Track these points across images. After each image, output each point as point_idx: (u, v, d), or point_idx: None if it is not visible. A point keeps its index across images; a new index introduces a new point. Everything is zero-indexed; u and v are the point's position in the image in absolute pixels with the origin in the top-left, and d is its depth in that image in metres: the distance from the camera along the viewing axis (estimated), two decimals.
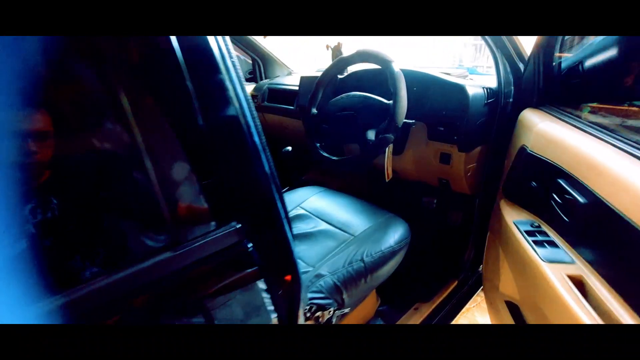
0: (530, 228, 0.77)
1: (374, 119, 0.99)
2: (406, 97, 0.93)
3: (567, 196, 0.66)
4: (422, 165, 1.22)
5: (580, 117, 0.78)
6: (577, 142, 0.68)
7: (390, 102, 0.95)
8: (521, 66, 1.01)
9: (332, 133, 1.11)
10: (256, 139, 0.44)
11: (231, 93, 0.42)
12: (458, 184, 1.16)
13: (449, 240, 1.40)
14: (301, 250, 1.03)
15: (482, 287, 1.31)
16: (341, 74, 1.32)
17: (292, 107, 1.65)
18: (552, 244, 0.71)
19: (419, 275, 1.34)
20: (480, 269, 1.32)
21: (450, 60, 6.48)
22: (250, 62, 1.99)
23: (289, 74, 2.08)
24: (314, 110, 1.15)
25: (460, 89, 1.00)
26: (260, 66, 1.97)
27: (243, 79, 0.44)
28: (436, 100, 1.06)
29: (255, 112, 0.46)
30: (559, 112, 0.84)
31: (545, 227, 0.77)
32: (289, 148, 1.43)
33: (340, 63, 1.10)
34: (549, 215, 0.77)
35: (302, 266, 0.97)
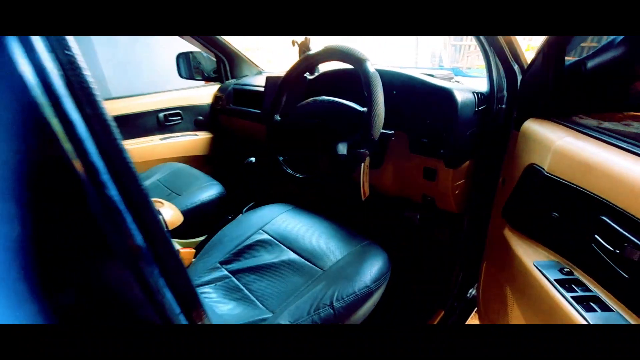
0: (560, 276, 0.61)
1: (346, 130, 0.82)
2: (383, 104, 0.77)
3: (625, 244, 0.50)
4: (403, 181, 1.06)
5: (616, 132, 0.62)
6: (628, 169, 0.52)
7: (365, 109, 0.78)
8: (516, 68, 0.86)
9: (298, 145, 0.94)
10: (113, 192, 0.26)
11: (55, 125, 0.23)
12: (445, 201, 1.01)
13: (434, 260, 1.25)
14: (261, 288, 0.85)
15: (474, 310, 1.17)
16: (311, 74, 1.15)
17: (259, 111, 1.47)
18: (604, 305, 0.54)
19: (399, 305, 1.18)
20: (469, 294, 1.18)
21: (430, 60, 6.41)
22: (215, 59, 1.79)
23: (259, 73, 1.89)
24: (277, 117, 0.97)
25: (447, 94, 0.84)
26: (225, 64, 1.77)
27: (98, 99, 0.26)
28: (419, 107, 0.90)
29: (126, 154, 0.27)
30: (578, 124, 0.69)
31: (579, 275, 0.61)
32: (252, 159, 1.25)
33: (306, 61, 0.92)
34: (588, 262, 0.61)
35: (260, 311, 0.79)
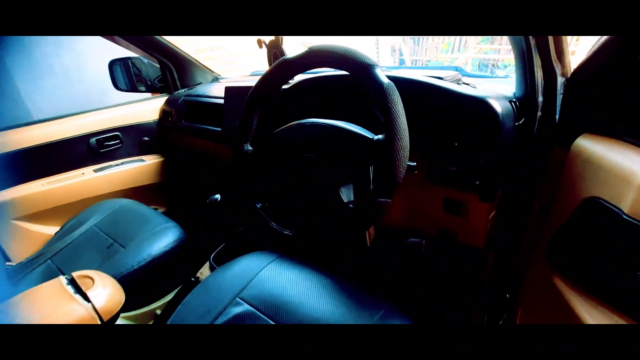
0: None
1: (351, 167, 0.58)
2: (407, 129, 0.54)
3: None
4: (415, 213, 0.84)
5: None
6: None
7: (379, 137, 0.55)
8: (558, 68, 0.67)
9: (282, 187, 0.68)
10: None
11: None
12: (470, 237, 0.80)
13: (453, 301, 1.04)
14: None
15: None
16: (285, 83, 0.89)
17: (218, 129, 1.18)
18: None
19: None
20: None
21: (391, 54, 6.32)
22: (158, 66, 1.47)
23: (215, 80, 1.59)
24: (248, 147, 0.70)
25: (483, 106, 0.63)
26: (172, 71, 1.45)
27: None
28: (442, 125, 0.68)
29: None
30: None
31: None
32: (217, 196, 0.97)
33: (283, 68, 0.66)
34: None
35: None
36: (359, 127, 0.59)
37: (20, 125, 1.16)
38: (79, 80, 2.03)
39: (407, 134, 0.53)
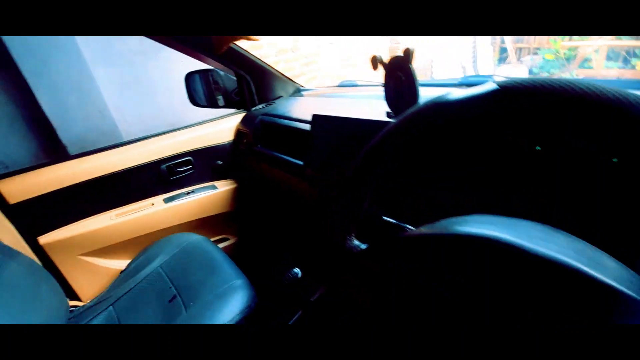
0: None
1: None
2: None
3: None
4: None
5: None
6: None
7: None
8: None
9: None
10: None
11: None
12: None
13: None
14: None
15: None
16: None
17: (300, 162, 0.94)
18: None
19: None
20: None
21: (490, 42, 5.50)
22: (235, 78, 1.28)
23: (297, 92, 1.36)
24: (357, 244, 0.42)
25: None
26: (249, 84, 1.25)
27: None
28: None
29: None
30: None
31: None
32: (298, 272, 0.72)
33: (438, 115, 0.36)
34: None
35: None
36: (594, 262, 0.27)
37: (92, 151, 1.07)
38: (163, 90, 2.00)
39: None
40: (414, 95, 0.56)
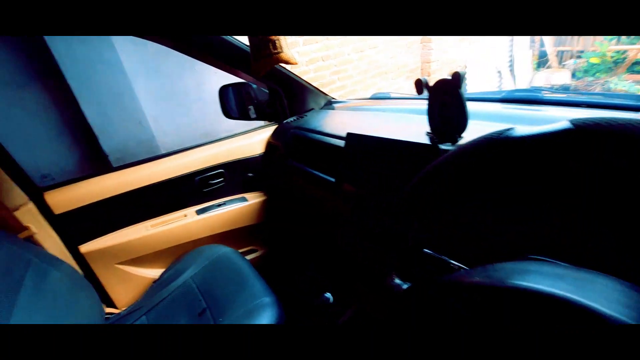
0: None
1: None
2: None
3: None
4: None
5: None
6: None
7: None
8: None
9: None
10: None
11: None
12: None
13: None
14: None
15: None
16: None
17: (331, 179, 0.92)
18: None
19: None
20: None
21: (529, 45, 5.25)
22: (267, 91, 1.29)
23: (329, 104, 1.35)
24: (399, 283, 0.40)
25: None
26: (281, 98, 1.25)
27: None
28: None
29: None
30: None
31: None
32: (329, 296, 0.70)
33: (498, 155, 0.33)
34: None
35: None
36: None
37: (131, 164, 1.11)
38: (196, 101, 2.06)
39: None
40: (464, 124, 0.52)
